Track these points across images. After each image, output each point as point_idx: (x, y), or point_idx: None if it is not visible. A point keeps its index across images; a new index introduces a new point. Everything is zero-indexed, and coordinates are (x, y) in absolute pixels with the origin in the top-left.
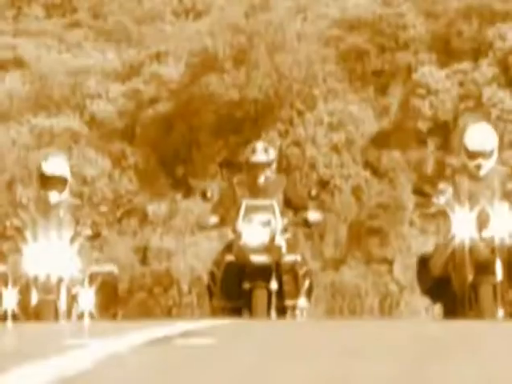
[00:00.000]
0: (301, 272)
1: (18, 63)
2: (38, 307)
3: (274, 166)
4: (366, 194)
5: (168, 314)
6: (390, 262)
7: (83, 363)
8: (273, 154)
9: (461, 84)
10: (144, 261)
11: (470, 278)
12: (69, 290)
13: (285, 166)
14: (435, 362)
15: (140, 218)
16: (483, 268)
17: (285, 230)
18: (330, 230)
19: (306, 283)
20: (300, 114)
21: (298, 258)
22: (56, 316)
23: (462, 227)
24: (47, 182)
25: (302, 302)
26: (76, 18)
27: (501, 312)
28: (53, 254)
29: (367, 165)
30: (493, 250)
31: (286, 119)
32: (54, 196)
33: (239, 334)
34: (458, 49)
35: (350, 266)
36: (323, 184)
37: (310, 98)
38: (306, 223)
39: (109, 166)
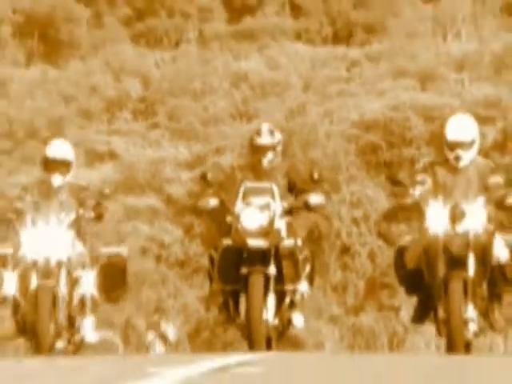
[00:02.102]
0: (301, 256)
1: (112, 155)
2: (36, 292)
3: (279, 148)
4: (379, 257)
5: (229, 348)
6: (397, 310)
7: None
8: (278, 136)
9: None
10: (208, 308)
11: (442, 272)
12: (69, 274)
13: (316, 236)
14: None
15: (206, 275)
16: (455, 263)
17: (285, 213)
18: (351, 285)
19: (307, 268)
20: (327, 194)
21: (299, 242)
22: (54, 301)
23: (436, 220)
24: (50, 165)
25: (302, 286)
26: (156, 121)
27: (472, 311)
28: (52, 237)
29: (380, 235)
30: (466, 245)
31: None
32: (56, 179)
33: (284, 364)
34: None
35: (367, 312)
36: (346, 249)
37: (336, 183)
38: (307, 206)
39: (181, 235)
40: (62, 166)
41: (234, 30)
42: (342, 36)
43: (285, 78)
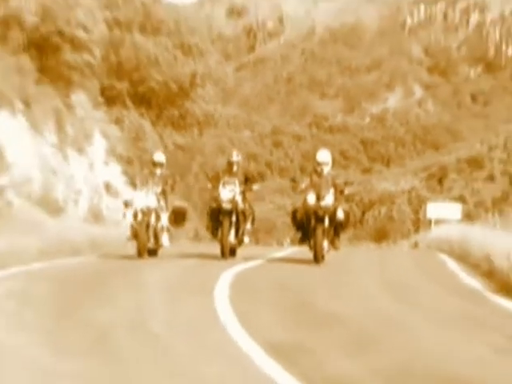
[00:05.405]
0: (247, 213)
1: None
2: (140, 222)
3: (241, 162)
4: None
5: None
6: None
7: (281, 254)
8: (240, 157)
9: None
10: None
11: (313, 223)
12: (156, 214)
13: None
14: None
15: None
16: (319, 220)
17: (240, 192)
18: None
19: (250, 218)
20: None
21: (247, 206)
22: (148, 226)
23: (310, 199)
24: (155, 164)
25: (248, 226)
26: None
27: (325, 242)
28: (149, 197)
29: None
30: (324, 212)
31: None
32: (158, 171)
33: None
34: None
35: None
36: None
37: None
38: (251, 190)
39: None
40: (161, 165)
41: None
42: None
43: None
